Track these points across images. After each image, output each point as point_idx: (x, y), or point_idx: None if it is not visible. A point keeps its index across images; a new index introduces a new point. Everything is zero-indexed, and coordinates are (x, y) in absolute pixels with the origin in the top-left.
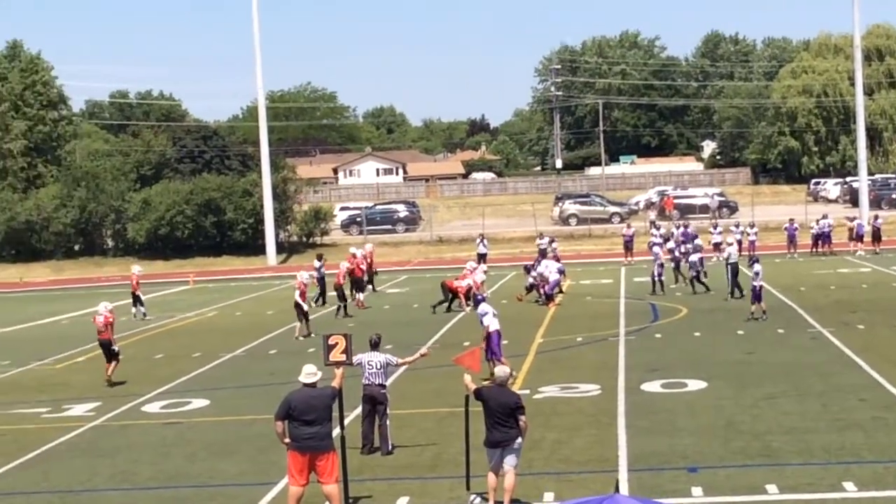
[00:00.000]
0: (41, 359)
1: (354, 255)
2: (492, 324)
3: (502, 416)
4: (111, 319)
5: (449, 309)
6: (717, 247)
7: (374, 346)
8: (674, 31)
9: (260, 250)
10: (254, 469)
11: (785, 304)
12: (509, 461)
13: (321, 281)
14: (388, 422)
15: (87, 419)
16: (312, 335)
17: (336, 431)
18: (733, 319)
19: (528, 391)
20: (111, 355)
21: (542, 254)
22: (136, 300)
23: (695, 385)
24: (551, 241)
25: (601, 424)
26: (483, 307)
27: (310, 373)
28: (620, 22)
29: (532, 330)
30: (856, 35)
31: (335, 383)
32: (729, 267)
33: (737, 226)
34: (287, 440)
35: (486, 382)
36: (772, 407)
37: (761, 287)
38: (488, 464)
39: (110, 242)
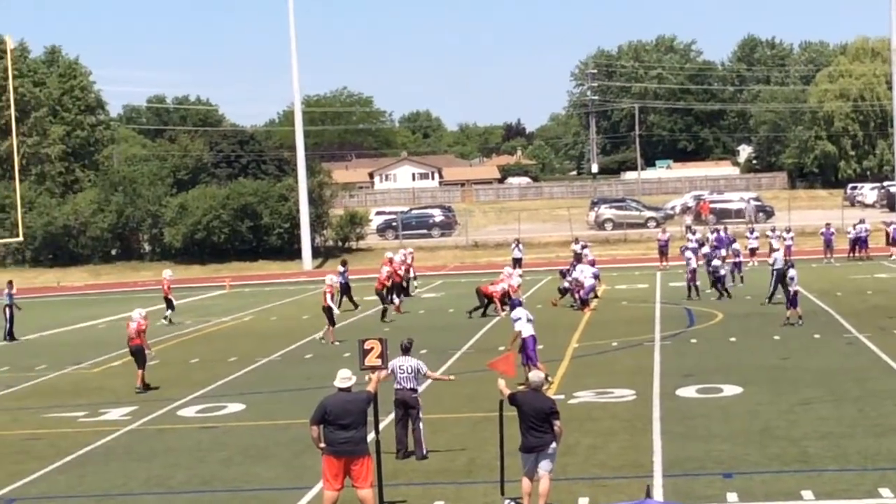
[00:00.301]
0: (78, 363)
1: (391, 260)
2: (525, 329)
3: (537, 421)
4: (144, 326)
5: (484, 314)
6: (753, 252)
7: (406, 350)
8: (710, 35)
9: (296, 255)
10: (289, 473)
11: (821, 309)
12: (544, 466)
13: (344, 287)
14: (421, 426)
15: (123, 423)
16: (336, 343)
17: (371, 436)
18: (769, 324)
19: (563, 396)
20: (141, 361)
21: (577, 258)
22: (169, 304)
23: (730, 390)
24: (584, 247)
25: (636, 430)
26: (517, 312)
27: (345, 377)
28: (657, 26)
29: (567, 335)
30: (893, 38)
31: (370, 388)
32: (775, 272)
33: (773, 230)
34: (322, 445)
35: (520, 387)
36: (808, 412)
37: (797, 292)
38: (523, 469)
39: (147, 247)
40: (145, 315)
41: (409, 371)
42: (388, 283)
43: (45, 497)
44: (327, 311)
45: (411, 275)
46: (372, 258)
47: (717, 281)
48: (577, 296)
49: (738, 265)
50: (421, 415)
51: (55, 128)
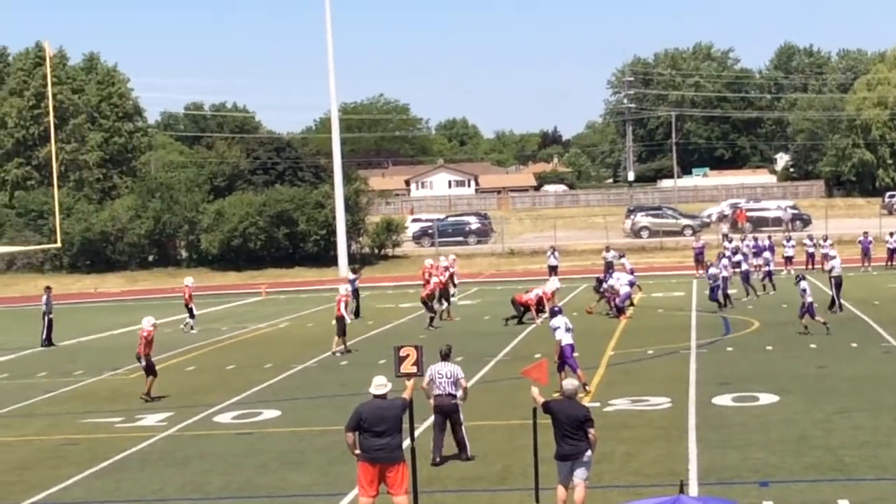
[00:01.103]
0: (115, 368)
1: (437, 267)
2: (564, 338)
3: (571, 429)
4: (149, 336)
5: (520, 322)
6: (788, 260)
7: (445, 357)
8: (747, 43)
9: (332, 262)
10: (324, 480)
11: (858, 318)
12: (579, 474)
13: (355, 294)
14: (463, 429)
15: (159, 429)
16: (345, 352)
17: (406, 443)
18: (806, 333)
19: (598, 404)
20: (150, 369)
21: (609, 266)
22: (190, 312)
23: (766, 399)
24: (620, 256)
25: (671, 437)
26: (556, 320)
27: (380, 384)
28: (694, 34)
29: (603, 342)
30: None
31: (406, 395)
32: (833, 280)
33: (810, 238)
34: (357, 451)
35: (555, 395)
36: (844, 421)
37: (812, 303)
38: (558, 477)
39: (184, 253)
40: (154, 324)
41: (449, 377)
42: (433, 291)
43: (82, 502)
44: (339, 320)
45: (454, 282)
46: (408, 265)
47: (713, 290)
48: (612, 303)
49: (769, 274)
50: (462, 418)
51: (93, 134)
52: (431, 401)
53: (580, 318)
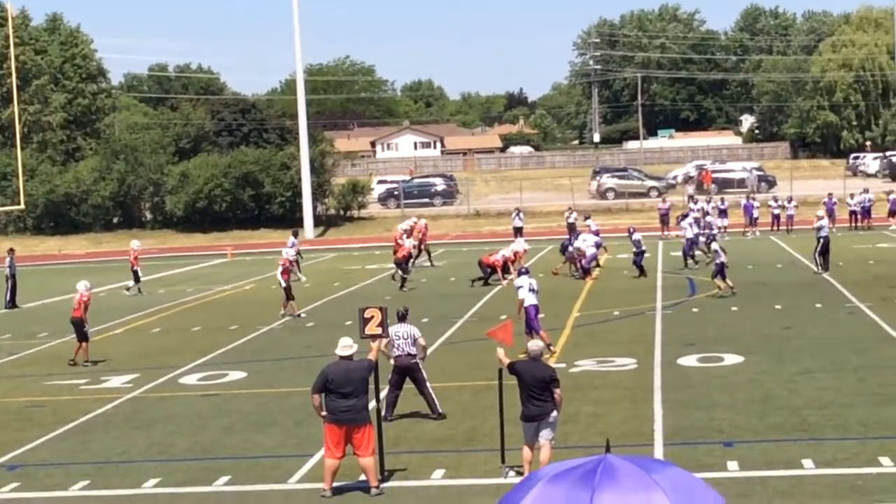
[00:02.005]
0: None
1: (411, 231)
2: (528, 298)
3: (537, 389)
4: (85, 299)
5: (486, 283)
6: (753, 221)
7: (402, 318)
8: (713, 4)
9: (298, 223)
10: (290, 441)
11: (823, 279)
12: (545, 435)
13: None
14: (428, 386)
15: (124, 391)
16: (301, 315)
17: (372, 404)
18: (770, 294)
19: (564, 365)
20: (82, 335)
21: (571, 228)
22: (135, 276)
23: (731, 359)
24: (586, 217)
25: (637, 398)
26: (521, 279)
27: (346, 345)
28: None
29: (569, 303)
30: None
31: (371, 356)
32: (820, 240)
33: (775, 200)
34: (324, 413)
35: (521, 356)
36: (808, 382)
37: (723, 264)
38: (524, 438)
39: (149, 215)
40: (89, 287)
41: (407, 337)
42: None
43: (47, 464)
44: (283, 284)
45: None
46: (374, 227)
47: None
48: (578, 265)
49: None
50: (425, 376)
51: (56, 96)
52: (392, 361)
53: (546, 279)
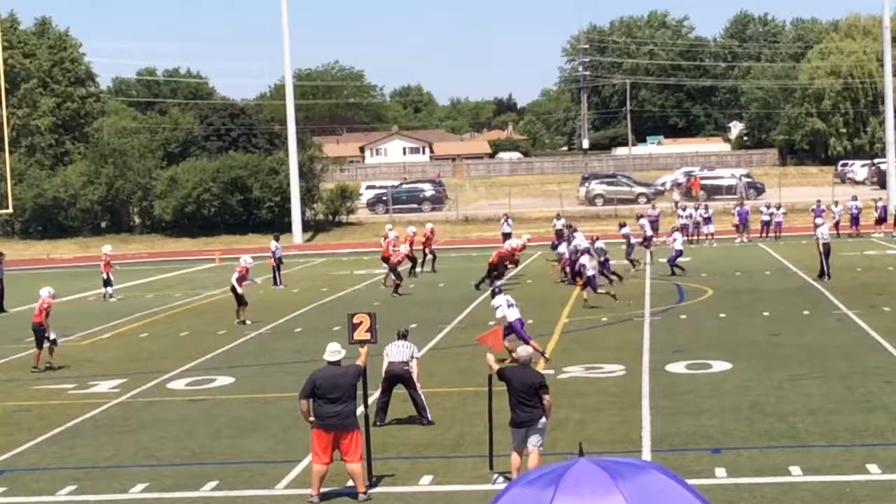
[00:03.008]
0: (67, 335)
1: (391, 237)
2: (510, 314)
3: (526, 395)
4: (46, 306)
5: (494, 280)
6: (737, 229)
7: (403, 337)
8: (702, 11)
9: (286, 228)
10: (278, 447)
11: (811, 286)
12: (533, 441)
13: (279, 262)
14: (421, 394)
15: (112, 395)
16: (247, 322)
17: (360, 410)
18: (759, 301)
19: (552, 371)
20: (42, 341)
21: (559, 234)
22: (106, 282)
23: (719, 366)
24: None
25: (625, 405)
26: (496, 300)
27: (334, 351)
28: (649, 2)
29: (557, 310)
30: (885, 16)
31: (360, 362)
32: (823, 247)
33: (767, 206)
34: (312, 418)
35: (507, 361)
36: (796, 388)
37: (594, 276)
38: (512, 444)
39: (137, 220)
40: (53, 294)
41: (404, 347)
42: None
43: (35, 468)
44: (234, 291)
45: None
46: (362, 232)
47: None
48: (565, 270)
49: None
50: (416, 382)
51: (45, 100)
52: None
53: (535, 285)
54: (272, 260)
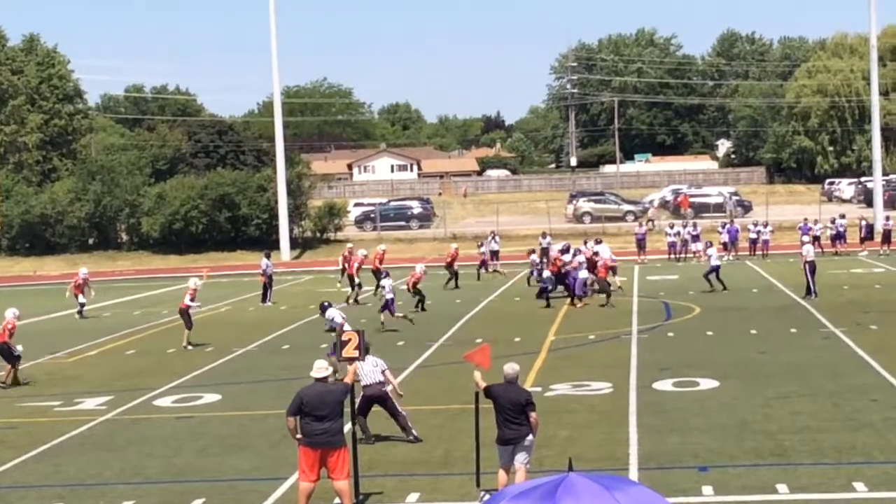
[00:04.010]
0: (53, 352)
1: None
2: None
3: (513, 413)
4: (10, 326)
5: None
6: (726, 246)
7: (366, 351)
8: (690, 29)
9: (274, 245)
10: (265, 464)
11: (798, 304)
12: (520, 458)
13: (269, 279)
14: (402, 410)
15: (98, 413)
16: (189, 348)
17: (347, 427)
18: (746, 319)
19: (539, 388)
20: (11, 356)
21: (544, 252)
22: (79, 304)
23: (707, 384)
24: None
25: (612, 422)
26: (329, 312)
27: (321, 368)
28: (637, 20)
29: (545, 327)
30: (872, 35)
31: (347, 379)
32: (807, 265)
33: (754, 224)
34: (299, 436)
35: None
36: (783, 406)
37: (392, 300)
38: (499, 461)
39: (125, 236)
40: (17, 315)
41: (374, 365)
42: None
43: (20, 486)
44: (184, 313)
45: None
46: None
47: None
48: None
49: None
50: (395, 401)
51: (33, 116)
52: (362, 391)
53: (522, 302)
54: (263, 277)
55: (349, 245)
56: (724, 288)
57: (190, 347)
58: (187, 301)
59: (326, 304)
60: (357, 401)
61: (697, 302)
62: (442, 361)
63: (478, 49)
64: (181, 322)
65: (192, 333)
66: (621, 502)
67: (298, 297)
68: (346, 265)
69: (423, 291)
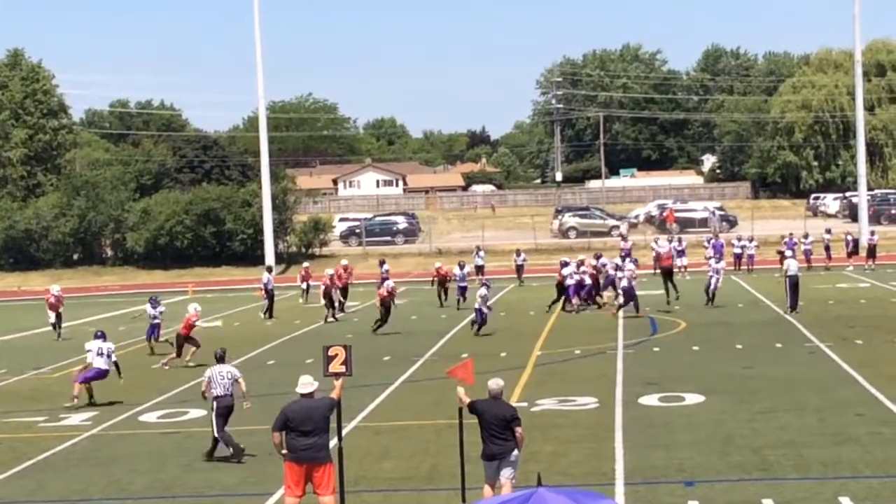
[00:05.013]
0: (38, 368)
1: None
2: (96, 362)
3: (498, 428)
4: (194, 320)
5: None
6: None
7: (220, 359)
8: (675, 44)
9: (259, 261)
10: (251, 479)
11: (783, 319)
12: (506, 474)
13: (270, 295)
14: (225, 429)
15: (83, 428)
16: (166, 367)
17: (333, 442)
18: (732, 334)
19: (525, 403)
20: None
21: (519, 269)
22: (56, 319)
23: (692, 399)
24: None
25: (598, 437)
26: (89, 344)
27: (307, 383)
28: (622, 35)
29: (530, 342)
30: (856, 50)
31: (334, 394)
32: (787, 279)
33: (739, 239)
34: (284, 451)
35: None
36: (769, 421)
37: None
38: (485, 476)
39: (109, 252)
40: (198, 311)
41: (229, 378)
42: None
43: (5, 502)
44: (181, 338)
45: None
46: (335, 264)
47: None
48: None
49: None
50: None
51: (17, 131)
52: (213, 402)
53: (508, 317)
54: (262, 292)
55: (343, 262)
56: (709, 301)
57: (192, 364)
58: (197, 323)
59: (99, 333)
60: (217, 417)
61: (683, 317)
62: (428, 377)
63: (463, 64)
64: (169, 337)
65: (172, 357)
66: None
67: (283, 313)
68: (333, 281)
69: (392, 312)
